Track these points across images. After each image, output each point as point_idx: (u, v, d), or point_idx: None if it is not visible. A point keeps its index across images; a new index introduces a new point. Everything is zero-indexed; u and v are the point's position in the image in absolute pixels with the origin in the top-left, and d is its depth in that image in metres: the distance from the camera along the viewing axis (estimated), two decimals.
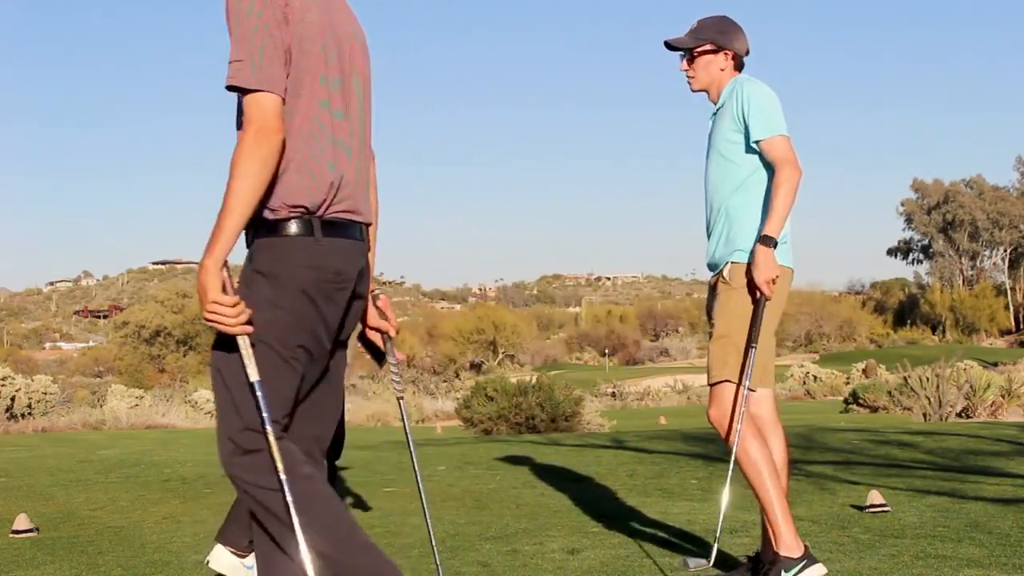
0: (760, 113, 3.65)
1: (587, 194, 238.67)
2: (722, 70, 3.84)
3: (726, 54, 3.83)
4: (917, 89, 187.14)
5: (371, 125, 2.74)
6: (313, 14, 2.51)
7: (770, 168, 3.67)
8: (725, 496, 3.73)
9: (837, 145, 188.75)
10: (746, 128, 3.68)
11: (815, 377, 39.56)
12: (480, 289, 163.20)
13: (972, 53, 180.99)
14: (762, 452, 3.61)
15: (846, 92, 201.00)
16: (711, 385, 3.71)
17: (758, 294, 3.62)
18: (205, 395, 30.50)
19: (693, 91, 3.91)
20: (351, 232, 2.56)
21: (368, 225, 2.67)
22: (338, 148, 2.54)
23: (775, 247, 3.59)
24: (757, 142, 3.65)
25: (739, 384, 3.63)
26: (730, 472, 3.74)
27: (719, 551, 4.34)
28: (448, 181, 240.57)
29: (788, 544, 3.57)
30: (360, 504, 6.07)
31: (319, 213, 2.50)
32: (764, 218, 3.64)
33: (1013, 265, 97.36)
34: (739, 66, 3.87)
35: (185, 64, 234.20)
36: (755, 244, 3.60)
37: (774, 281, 3.59)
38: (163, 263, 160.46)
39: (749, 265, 3.64)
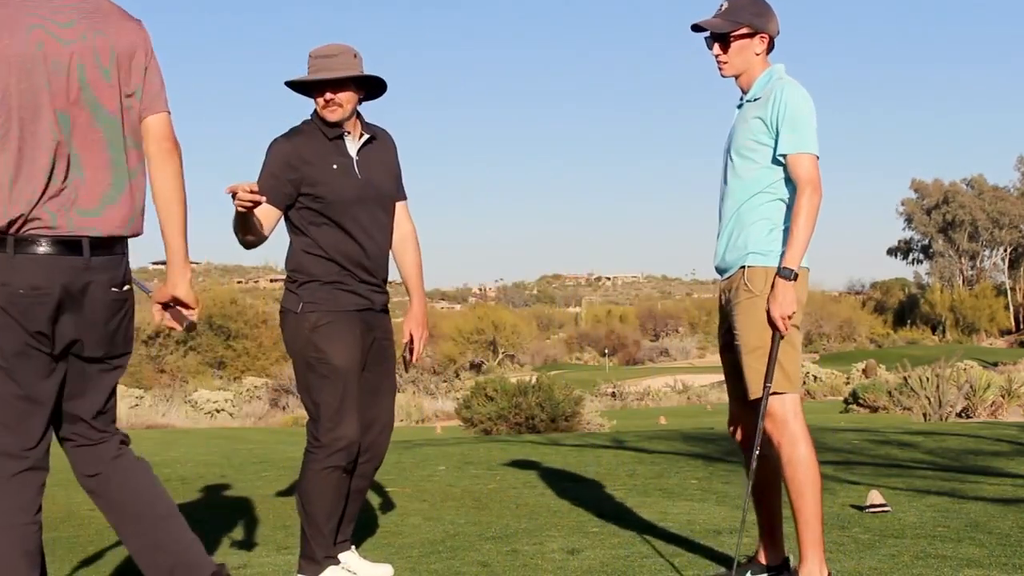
0: (794, 125, 3.49)
1: (587, 194, 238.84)
2: (757, 54, 3.64)
3: (762, 38, 3.63)
4: (917, 89, 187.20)
5: (120, 131, 2.76)
6: (5, 40, 2.58)
7: (791, 182, 3.53)
8: (745, 507, 3.71)
9: (837, 145, 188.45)
10: (777, 136, 3.52)
11: (815, 377, 39.58)
12: (480, 289, 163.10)
13: (972, 53, 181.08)
14: (811, 467, 3.49)
15: (846, 92, 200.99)
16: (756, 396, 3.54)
17: (772, 330, 3.47)
18: (205, 395, 30.53)
19: (724, 76, 3.70)
20: (57, 247, 2.64)
21: (106, 237, 2.74)
22: (47, 165, 2.61)
23: (795, 279, 3.46)
24: (784, 155, 3.50)
25: (764, 395, 3.50)
26: (749, 484, 3.67)
27: (717, 552, 4.35)
28: (448, 181, 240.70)
29: (810, 570, 3.49)
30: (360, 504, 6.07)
31: (13, 231, 2.59)
32: (784, 241, 3.50)
33: (1013, 265, 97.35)
34: (771, 48, 3.68)
35: (185, 65, 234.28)
36: (774, 277, 3.46)
37: (791, 317, 3.46)
38: (163, 263, 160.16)
39: (763, 269, 3.52)
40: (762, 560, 3.83)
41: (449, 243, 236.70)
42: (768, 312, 3.48)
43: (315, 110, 3.95)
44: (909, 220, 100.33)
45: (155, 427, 21.16)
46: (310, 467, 3.84)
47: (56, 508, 6.30)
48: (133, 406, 26.35)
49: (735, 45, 3.63)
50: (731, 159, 3.66)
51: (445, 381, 50.01)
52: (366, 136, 4.01)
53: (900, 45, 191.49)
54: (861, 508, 5.24)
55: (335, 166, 3.90)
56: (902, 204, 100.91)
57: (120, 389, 30.63)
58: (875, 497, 5.24)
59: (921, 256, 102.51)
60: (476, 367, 72.76)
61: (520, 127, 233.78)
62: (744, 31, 3.62)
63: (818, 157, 3.51)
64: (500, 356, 78.76)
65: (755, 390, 3.53)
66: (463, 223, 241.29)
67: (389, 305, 4.08)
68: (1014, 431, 9.81)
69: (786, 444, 3.49)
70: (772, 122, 3.53)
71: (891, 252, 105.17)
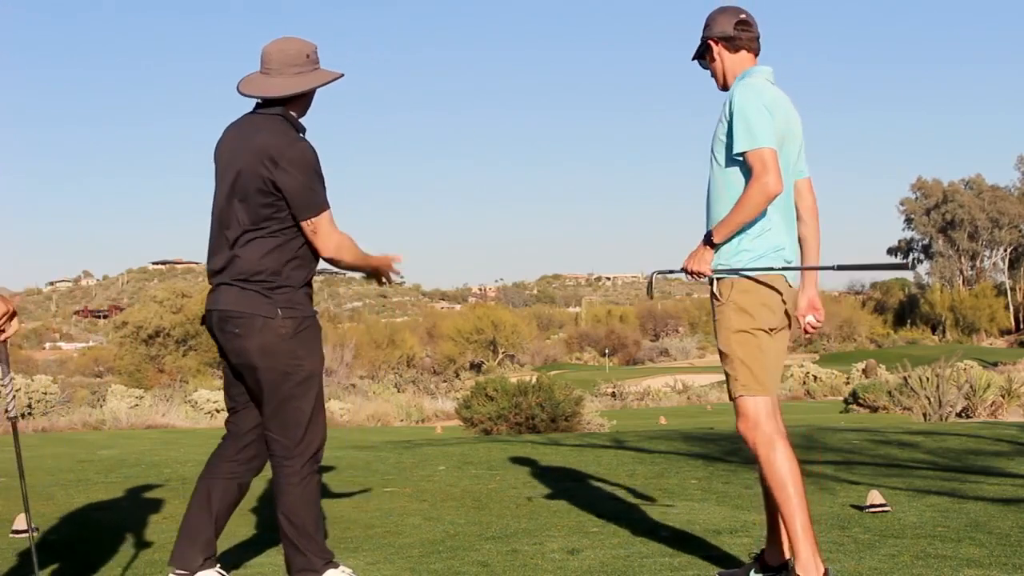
0: (741, 122, 3.54)
1: (587, 194, 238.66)
2: (713, 60, 3.81)
3: (717, 43, 3.78)
4: (917, 89, 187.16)
5: None
6: None
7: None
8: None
9: (837, 145, 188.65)
10: (730, 137, 3.58)
11: (815, 377, 39.61)
12: (480, 289, 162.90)
13: (972, 53, 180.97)
14: (789, 464, 3.52)
15: (846, 92, 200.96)
16: (733, 401, 3.66)
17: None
18: (205, 395, 30.47)
19: (719, 88, 3.85)
20: None
21: None
22: None
23: (715, 249, 3.59)
24: (741, 154, 3.55)
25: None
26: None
27: (717, 552, 4.35)
28: (448, 181, 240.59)
29: (805, 564, 3.48)
30: (360, 504, 6.07)
31: None
32: (755, 247, 3.58)
33: (1013, 265, 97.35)
34: (734, 48, 3.76)
35: (185, 65, 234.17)
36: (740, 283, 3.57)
37: (696, 275, 3.60)
38: (163, 263, 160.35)
39: (729, 279, 3.60)
40: (767, 560, 3.83)
41: (449, 243, 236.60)
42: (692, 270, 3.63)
43: (284, 109, 3.71)
44: (909, 220, 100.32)
45: (155, 427, 21.13)
46: (289, 480, 3.69)
47: (56, 508, 6.30)
48: (133, 406, 26.32)
49: (710, 59, 3.85)
50: (711, 166, 3.77)
51: (445, 381, 50.06)
52: None
53: (900, 45, 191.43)
54: (861, 508, 5.24)
55: None
56: (902, 204, 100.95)
57: (120, 389, 30.63)
58: (875, 497, 5.24)
59: (921, 256, 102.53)
60: (476, 367, 72.75)
61: (520, 127, 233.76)
62: (706, 47, 3.84)
63: (774, 150, 3.52)
64: (500, 356, 78.76)
65: (731, 393, 3.64)
66: (463, 223, 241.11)
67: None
68: (1014, 431, 9.81)
69: (761, 445, 3.56)
70: (727, 125, 3.61)
71: (891, 252, 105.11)
